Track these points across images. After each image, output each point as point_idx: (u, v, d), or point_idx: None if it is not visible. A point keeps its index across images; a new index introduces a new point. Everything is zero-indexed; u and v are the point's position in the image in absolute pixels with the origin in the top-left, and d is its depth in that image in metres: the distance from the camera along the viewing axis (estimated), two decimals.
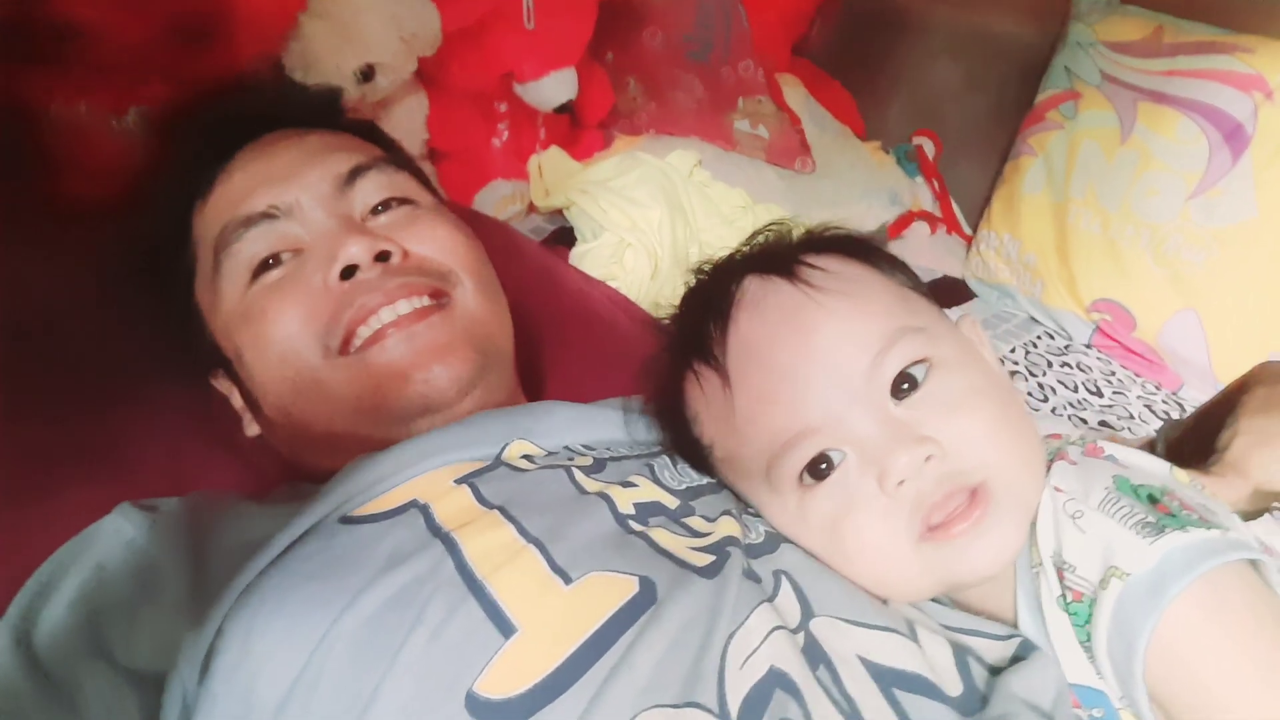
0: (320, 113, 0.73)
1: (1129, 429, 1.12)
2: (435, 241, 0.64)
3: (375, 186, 0.65)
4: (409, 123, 1.13)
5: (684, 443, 0.57)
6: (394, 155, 0.69)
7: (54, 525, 0.56)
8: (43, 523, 0.57)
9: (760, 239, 0.58)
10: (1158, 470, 0.47)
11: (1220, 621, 0.39)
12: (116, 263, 0.71)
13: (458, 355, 0.59)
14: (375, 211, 0.64)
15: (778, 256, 0.54)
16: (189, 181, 0.65)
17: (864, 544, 0.48)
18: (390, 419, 0.58)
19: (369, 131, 0.74)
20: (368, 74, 1.00)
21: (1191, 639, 0.39)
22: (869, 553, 0.48)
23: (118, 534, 0.54)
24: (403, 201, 0.66)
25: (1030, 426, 0.50)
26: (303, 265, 0.60)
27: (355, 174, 0.64)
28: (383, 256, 0.60)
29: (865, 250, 0.55)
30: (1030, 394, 1.17)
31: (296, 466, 0.66)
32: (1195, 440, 0.55)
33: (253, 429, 0.66)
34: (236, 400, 0.66)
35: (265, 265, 0.61)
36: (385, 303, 0.59)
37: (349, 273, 0.59)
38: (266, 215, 0.61)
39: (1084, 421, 1.12)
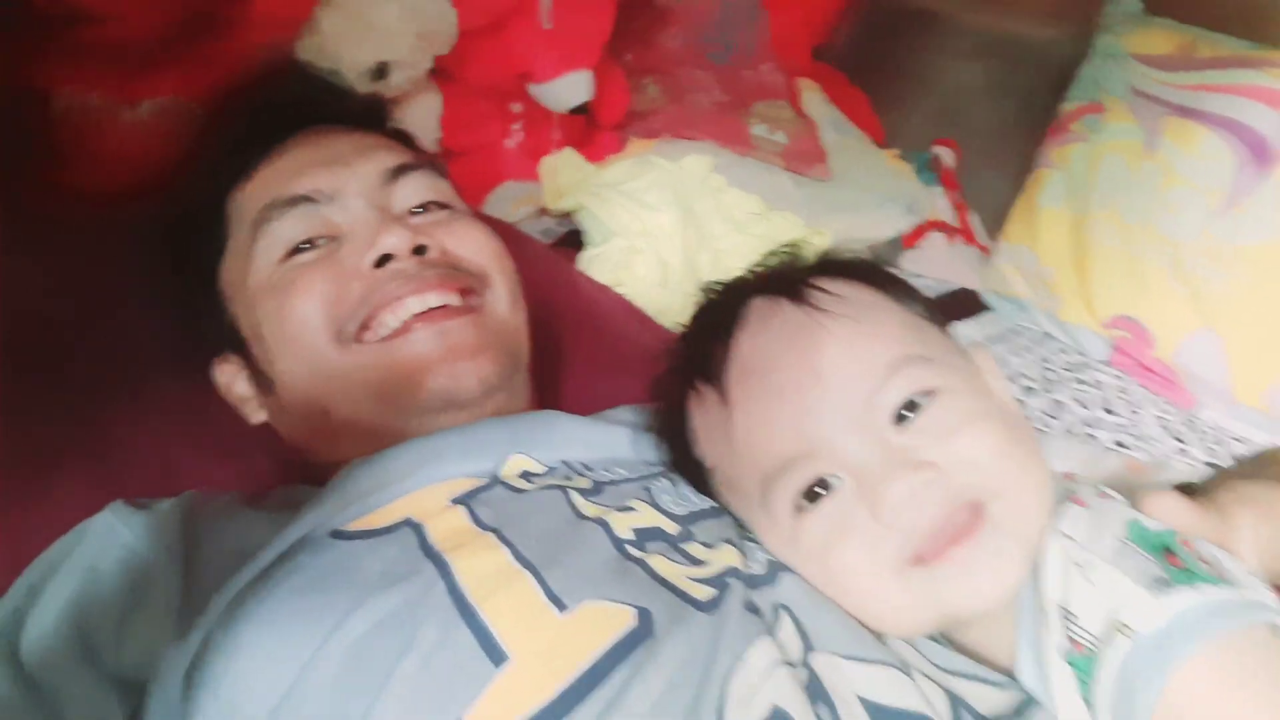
0: (367, 115, 0.75)
1: (1144, 449, 1.10)
2: (472, 243, 0.65)
3: (417, 187, 0.66)
4: (423, 121, 1.12)
5: (685, 463, 0.57)
6: (436, 163, 0.71)
7: (44, 523, 0.55)
8: (33, 520, 0.57)
9: (773, 260, 0.58)
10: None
11: (1232, 688, 0.37)
12: (133, 242, 0.72)
13: (487, 356, 0.59)
14: (414, 212, 0.65)
15: (788, 278, 0.54)
16: (233, 162, 0.66)
17: (852, 572, 0.47)
18: (410, 410, 0.58)
19: (409, 141, 0.75)
20: (382, 70, 0.99)
21: (1200, 706, 0.37)
22: (857, 580, 0.47)
23: (110, 534, 0.54)
24: (442, 206, 0.67)
25: (1038, 458, 0.48)
26: (338, 249, 0.61)
27: (399, 172, 0.65)
28: (419, 250, 0.61)
29: (879, 276, 0.54)
30: (1044, 411, 1.15)
31: (298, 460, 0.65)
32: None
33: (259, 415, 0.66)
34: (241, 387, 0.66)
35: (299, 249, 0.61)
36: (414, 292, 0.59)
37: (384, 261, 0.60)
38: (309, 198, 0.62)
39: (1096, 440, 1.11)
